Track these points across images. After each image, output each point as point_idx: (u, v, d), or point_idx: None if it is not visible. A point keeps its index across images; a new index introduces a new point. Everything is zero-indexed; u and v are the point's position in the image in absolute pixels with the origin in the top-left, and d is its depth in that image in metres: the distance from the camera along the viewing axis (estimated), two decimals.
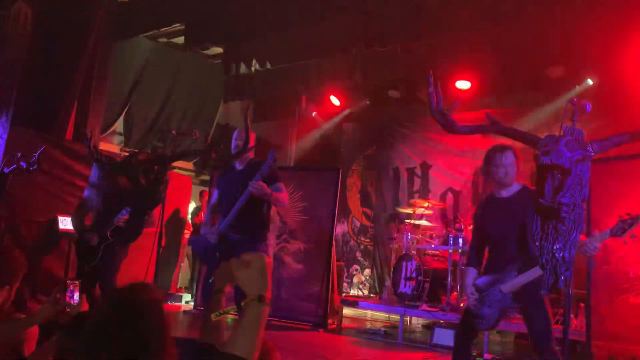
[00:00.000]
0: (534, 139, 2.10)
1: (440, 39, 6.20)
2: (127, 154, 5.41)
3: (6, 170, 5.18)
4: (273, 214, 6.94)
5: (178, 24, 7.32)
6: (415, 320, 6.98)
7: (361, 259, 9.00)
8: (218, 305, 1.81)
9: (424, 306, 6.17)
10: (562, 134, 2.04)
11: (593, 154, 2.02)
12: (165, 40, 7.92)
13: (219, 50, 7.82)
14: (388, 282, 7.22)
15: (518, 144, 3.11)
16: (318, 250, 6.52)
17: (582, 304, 5.18)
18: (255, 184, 3.79)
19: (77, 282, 2.32)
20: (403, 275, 6.62)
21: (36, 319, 2.34)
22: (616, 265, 4.78)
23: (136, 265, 4.73)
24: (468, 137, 7.40)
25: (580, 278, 5.12)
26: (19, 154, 5.24)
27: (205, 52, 8.07)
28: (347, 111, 8.79)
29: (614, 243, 4.51)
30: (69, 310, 2.26)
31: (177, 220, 7.85)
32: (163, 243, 5.13)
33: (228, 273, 1.80)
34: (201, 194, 8.45)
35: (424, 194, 8.19)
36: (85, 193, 4.83)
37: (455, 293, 6.13)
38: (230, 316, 1.73)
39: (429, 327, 6.22)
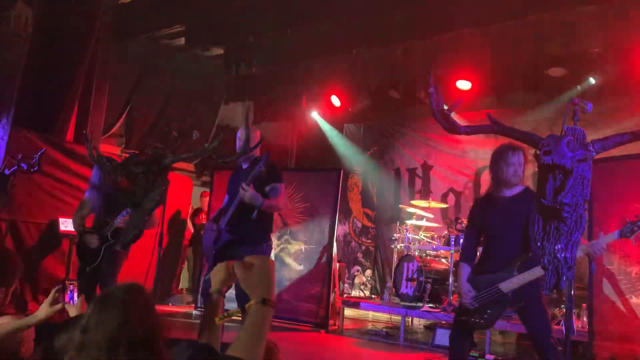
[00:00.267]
0: (535, 139, 2.09)
1: (440, 39, 6.19)
2: (127, 155, 5.41)
3: (7, 171, 5.18)
4: (275, 214, 6.94)
5: (178, 25, 7.32)
6: (416, 321, 6.97)
7: (362, 260, 8.99)
8: (216, 307, 1.80)
9: (426, 307, 6.16)
10: (563, 133, 2.03)
11: (595, 153, 2.01)
12: (165, 41, 7.92)
13: (219, 51, 7.82)
14: (389, 283, 7.21)
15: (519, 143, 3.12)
16: (319, 251, 6.51)
17: (584, 305, 5.17)
18: (246, 192, 3.71)
19: (75, 282, 2.32)
20: (404, 276, 6.61)
21: (35, 320, 2.34)
22: (618, 266, 4.77)
23: (137, 267, 4.74)
24: (469, 138, 7.39)
25: (582, 278, 5.12)
26: (20, 156, 5.24)
27: (206, 53, 8.07)
28: (351, 109, 8.76)
29: (616, 243, 4.51)
30: (67, 310, 2.26)
31: (177, 221, 7.85)
32: (164, 244, 5.13)
33: (224, 274, 1.79)
34: (202, 195, 8.45)
35: (425, 194, 8.18)
36: (86, 194, 4.83)
37: (456, 294, 6.12)
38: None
39: (430, 328, 6.21)
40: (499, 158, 3.29)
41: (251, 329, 1.43)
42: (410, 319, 6.78)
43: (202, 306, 3.91)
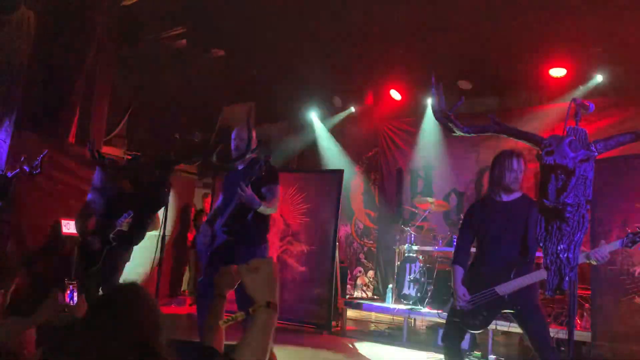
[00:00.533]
0: (537, 139, 2.09)
1: (442, 38, 6.19)
2: (130, 157, 5.42)
3: (10, 174, 5.19)
4: (276, 216, 6.95)
5: (180, 28, 7.33)
6: (419, 321, 6.97)
7: (365, 261, 8.98)
8: (219, 309, 1.81)
9: (428, 308, 6.15)
10: (565, 134, 2.02)
11: (597, 153, 2.01)
12: (167, 43, 7.93)
13: (220, 53, 7.83)
14: (392, 284, 7.21)
15: (521, 145, 3.12)
16: (321, 253, 6.51)
17: (587, 305, 5.16)
18: (244, 193, 3.69)
19: (75, 282, 2.32)
20: (407, 277, 6.60)
21: (34, 320, 2.34)
22: (621, 266, 4.76)
23: (139, 268, 4.74)
24: (471, 138, 7.39)
25: (585, 279, 5.11)
26: (23, 158, 5.25)
27: (208, 55, 8.08)
28: (353, 110, 8.75)
29: None
30: (67, 311, 2.26)
31: (180, 223, 7.86)
32: (166, 246, 5.14)
33: (228, 277, 1.80)
34: (204, 196, 8.46)
35: (428, 195, 8.17)
36: (89, 197, 4.84)
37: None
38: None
39: (433, 329, 6.20)
40: (501, 164, 3.31)
41: (257, 332, 1.43)
42: (413, 320, 6.78)
43: (198, 308, 3.86)
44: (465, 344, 5.13)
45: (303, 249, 6.66)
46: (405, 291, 6.56)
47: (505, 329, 5.13)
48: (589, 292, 5.05)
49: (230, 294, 1.87)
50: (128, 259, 4.62)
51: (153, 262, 4.49)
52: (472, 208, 3.55)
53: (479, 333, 4.66)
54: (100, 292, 4.46)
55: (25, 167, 5.14)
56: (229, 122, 8.62)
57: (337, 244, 6.70)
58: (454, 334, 3.36)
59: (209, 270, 3.89)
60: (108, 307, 1.47)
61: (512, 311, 3.21)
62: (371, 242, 9.00)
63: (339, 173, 6.86)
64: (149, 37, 7.58)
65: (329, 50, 6.84)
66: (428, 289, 6.32)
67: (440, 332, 5.50)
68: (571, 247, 1.92)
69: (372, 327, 6.83)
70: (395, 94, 7.63)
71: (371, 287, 8.58)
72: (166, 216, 4.17)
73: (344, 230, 8.99)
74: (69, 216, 5.85)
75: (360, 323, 7.13)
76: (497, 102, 7.30)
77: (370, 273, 8.76)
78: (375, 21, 6.25)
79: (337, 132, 9.15)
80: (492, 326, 3.86)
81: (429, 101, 7.72)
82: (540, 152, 2.02)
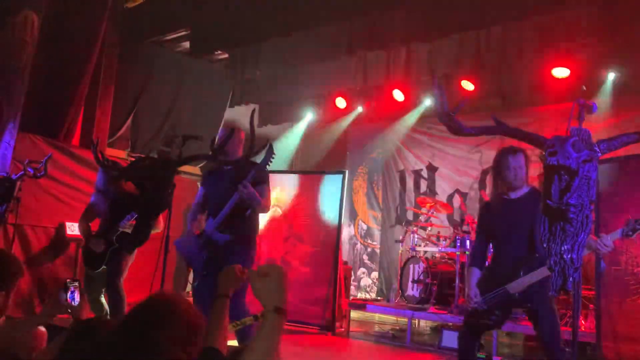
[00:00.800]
0: (540, 140, 2.09)
1: (444, 39, 6.19)
2: (133, 159, 5.43)
3: (14, 176, 5.21)
4: (280, 217, 6.96)
5: (184, 30, 7.35)
6: (423, 322, 6.96)
7: (368, 262, 8.98)
8: (223, 310, 1.81)
9: (432, 309, 6.14)
10: (568, 134, 2.02)
11: (600, 154, 2.00)
12: (171, 45, 7.95)
13: (224, 55, 7.85)
14: (395, 285, 7.20)
15: (524, 145, 3.12)
16: (325, 254, 6.51)
17: (591, 305, 5.15)
18: (245, 190, 3.70)
19: (77, 283, 2.33)
20: (410, 278, 6.60)
21: (37, 321, 2.35)
22: (625, 266, 4.74)
23: (143, 270, 4.74)
24: (474, 139, 7.39)
25: (589, 279, 5.10)
26: (27, 161, 5.28)
27: (211, 56, 8.10)
28: (356, 112, 8.74)
29: (623, 244, 4.49)
30: (69, 311, 2.26)
31: (184, 223, 7.86)
32: (170, 247, 5.14)
33: (231, 276, 1.80)
34: None
35: (431, 196, 8.17)
36: (92, 199, 4.85)
37: (462, 297, 6.11)
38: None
39: (437, 330, 6.19)
40: (499, 162, 3.33)
41: (265, 337, 1.44)
42: (416, 321, 6.77)
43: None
44: None
45: (306, 250, 6.66)
46: (409, 292, 6.55)
47: (510, 329, 5.12)
48: (593, 293, 5.04)
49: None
50: (131, 261, 4.62)
51: (157, 263, 4.49)
52: (483, 209, 3.57)
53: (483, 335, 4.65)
54: (105, 294, 4.47)
55: (29, 170, 5.17)
56: (232, 124, 8.63)
57: (341, 245, 6.69)
58: (469, 335, 3.36)
59: (207, 271, 3.88)
60: (144, 323, 1.45)
61: (524, 309, 3.20)
62: (375, 243, 8.99)
63: (342, 174, 6.86)
64: (152, 40, 7.60)
65: (332, 52, 6.83)
66: (432, 289, 6.31)
67: (445, 333, 5.50)
68: (575, 248, 1.92)
69: (376, 328, 6.83)
70: (398, 95, 7.62)
71: (375, 288, 8.58)
72: (170, 217, 4.17)
73: (347, 231, 8.99)
74: (73, 218, 5.87)
75: (364, 324, 7.12)
76: (500, 102, 7.28)
77: (374, 274, 8.76)
78: (378, 22, 6.25)
79: (340, 133, 9.16)
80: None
81: (427, 102, 7.72)
82: (544, 153, 2.01)
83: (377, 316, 7.34)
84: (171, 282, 7.49)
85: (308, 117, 8.86)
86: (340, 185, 6.65)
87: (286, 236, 6.82)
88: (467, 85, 6.74)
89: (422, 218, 7.37)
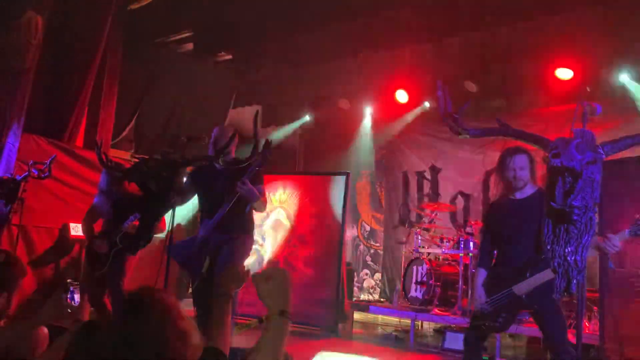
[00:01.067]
0: (544, 142, 2.08)
1: (448, 41, 6.18)
2: (137, 160, 5.44)
3: (18, 177, 5.23)
4: (283, 218, 6.97)
5: (187, 31, 7.36)
6: (426, 324, 6.95)
7: (371, 263, 8.97)
8: (226, 309, 1.81)
9: (435, 310, 6.13)
10: (572, 136, 2.02)
11: (604, 156, 2.00)
12: (174, 46, 7.96)
13: (227, 56, 7.86)
14: (399, 287, 7.19)
15: (529, 147, 3.11)
16: (328, 255, 6.50)
17: (595, 308, 5.13)
18: (244, 186, 3.74)
19: (77, 284, 2.34)
20: (414, 280, 6.59)
21: (38, 321, 2.35)
22: (630, 268, 4.73)
23: (146, 271, 4.75)
24: (478, 140, 7.37)
25: (592, 281, 5.08)
26: (31, 162, 5.29)
27: (214, 58, 8.11)
28: (359, 112, 8.73)
29: (627, 245, 4.47)
30: (70, 311, 2.27)
31: (188, 225, 7.86)
32: None
33: (233, 277, 1.81)
34: None
35: (434, 197, 8.15)
36: (95, 200, 4.86)
37: (466, 298, 6.10)
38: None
39: (440, 332, 6.18)
40: (500, 164, 3.36)
41: (270, 340, 1.45)
42: (420, 323, 6.76)
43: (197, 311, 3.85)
44: None
45: (310, 251, 6.65)
46: (412, 294, 6.54)
47: (513, 331, 5.10)
48: (597, 295, 5.02)
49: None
50: (135, 262, 4.63)
51: (160, 264, 4.50)
52: (489, 210, 3.57)
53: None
54: (107, 296, 4.47)
55: (33, 171, 5.18)
56: (236, 125, 8.64)
57: (344, 246, 6.69)
58: (475, 337, 3.35)
59: (206, 272, 3.89)
60: (134, 316, 1.45)
61: (530, 311, 3.19)
62: (378, 244, 8.98)
63: (345, 175, 6.86)
64: (156, 41, 7.62)
65: (335, 52, 6.83)
66: (435, 291, 6.30)
67: (448, 335, 5.49)
68: (579, 250, 1.91)
69: (379, 330, 6.82)
70: (401, 96, 7.62)
71: (378, 289, 8.56)
72: (174, 218, 4.18)
73: (350, 232, 8.98)
74: (76, 219, 5.88)
75: (367, 326, 7.12)
76: (503, 104, 7.27)
77: (377, 275, 8.74)
78: (382, 24, 6.25)
79: (343, 135, 9.15)
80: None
81: (431, 103, 7.71)
82: (547, 155, 2.01)
83: (380, 318, 7.33)
84: (175, 282, 7.49)
85: (311, 118, 8.86)
86: (344, 187, 6.65)
87: (289, 237, 6.82)
88: (471, 87, 6.73)
89: (425, 219, 7.35)
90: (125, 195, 4.60)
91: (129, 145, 8.04)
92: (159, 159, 3.89)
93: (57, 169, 5.84)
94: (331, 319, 6.25)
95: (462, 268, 6.17)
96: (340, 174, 7.06)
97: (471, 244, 6.16)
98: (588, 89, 6.48)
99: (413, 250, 6.93)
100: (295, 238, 6.80)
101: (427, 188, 8.44)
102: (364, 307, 6.87)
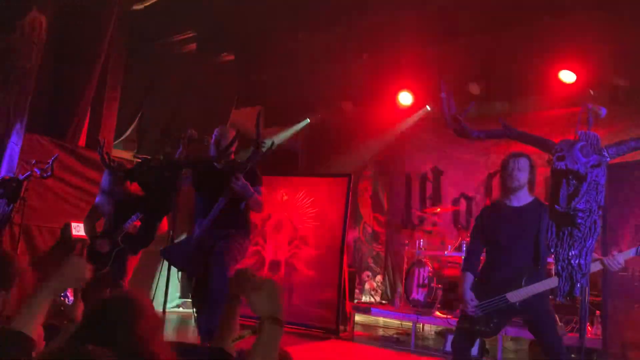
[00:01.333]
0: (549, 144, 2.07)
1: (452, 43, 6.17)
2: (139, 160, 5.44)
3: (21, 177, 5.23)
4: (285, 220, 6.96)
5: (190, 32, 7.36)
6: (428, 327, 6.93)
7: (373, 265, 8.95)
8: (234, 312, 1.82)
9: (437, 313, 6.11)
10: (576, 138, 2.00)
11: (609, 159, 1.98)
12: (177, 47, 7.97)
13: (230, 57, 7.85)
14: (400, 289, 7.18)
15: (531, 149, 3.10)
16: (329, 257, 6.49)
17: (597, 312, 5.11)
18: (239, 182, 3.74)
19: None
20: (415, 282, 6.57)
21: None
22: (633, 272, 4.70)
23: (148, 271, 4.75)
24: (481, 143, 7.35)
25: (596, 285, 5.06)
26: (34, 161, 5.30)
27: (217, 59, 8.11)
28: (362, 114, 8.73)
29: None
30: (63, 309, 2.26)
31: (189, 225, 7.86)
32: None
33: (242, 280, 1.81)
34: None
35: (436, 199, 8.13)
36: (97, 199, 4.86)
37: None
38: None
39: (442, 334, 6.17)
40: (501, 168, 3.37)
41: (262, 347, 1.47)
42: (421, 325, 6.74)
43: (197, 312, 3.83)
44: (474, 350, 5.09)
45: (311, 253, 6.65)
46: (414, 296, 6.53)
47: (515, 335, 5.08)
48: (600, 299, 5.00)
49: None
50: (136, 262, 4.63)
51: (161, 265, 4.50)
52: (483, 213, 3.54)
53: (488, 339, 4.63)
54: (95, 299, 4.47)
55: (36, 170, 5.19)
56: (238, 126, 8.63)
57: (345, 248, 6.68)
58: (464, 340, 3.34)
59: (203, 273, 3.89)
60: (101, 317, 1.47)
61: (523, 319, 3.18)
62: (380, 246, 8.97)
63: (347, 177, 6.85)
64: (159, 41, 7.62)
65: (338, 53, 6.83)
66: (437, 294, 6.28)
67: (450, 337, 5.46)
68: (583, 254, 1.89)
69: (381, 332, 6.80)
70: (405, 97, 7.61)
71: (379, 291, 8.55)
72: (175, 219, 4.17)
73: (352, 234, 8.96)
74: (78, 218, 5.88)
75: (369, 328, 7.10)
76: (507, 106, 7.25)
77: (379, 277, 8.72)
78: (385, 26, 6.24)
79: (346, 136, 9.14)
80: (501, 332, 3.83)
81: (434, 105, 7.70)
82: (551, 157, 2.00)
83: (382, 320, 7.31)
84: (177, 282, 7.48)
85: (313, 119, 8.85)
86: (346, 189, 6.64)
87: (291, 239, 6.81)
88: (474, 89, 6.72)
89: (427, 222, 7.34)
90: (127, 195, 4.60)
91: (131, 145, 8.05)
92: (161, 159, 3.90)
93: (60, 168, 5.85)
94: (332, 320, 6.24)
95: None
96: (342, 175, 7.06)
97: (464, 248, 6.14)
98: (591, 92, 6.46)
99: (415, 252, 6.92)
100: (297, 239, 6.79)
101: (429, 190, 8.43)
102: (366, 309, 6.85)
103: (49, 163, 5.26)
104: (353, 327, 6.49)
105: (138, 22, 7.17)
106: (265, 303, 1.53)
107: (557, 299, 2.03)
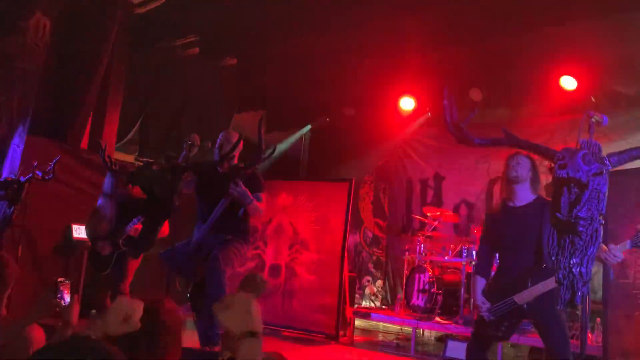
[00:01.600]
0: (550, 152, 2.07)
1: (454, 50, 6.19)
2: (141, 163, 5.44)
3: (22, 178, 5.23)
4: (286, 224, 6.96)
5: (192, 36, 7.39)
6: (428, 332, 6.92)
7: (373, 270, 8.95)
8: None
9: (437, 319, 6.11)
10: (578, 146, 2.01)
11: (610, 167, 1.99)
12: (180, 51, 7.99)
13: (232, 61, 7.88)
14: (401, 294, 7.17)
15: (533, 156, 3.11)
16: (330, 261, 6.49)
17: (598, 319, 5.10)
18: (237, 188, 3.76)
19: (67, 283, 2.31)
20: (416, 287, 6.57)
21: (27, 321, 2.33)
22: (634, 280, 4.70)
23: (150, 274, 4.75)
24: (482, 149, 7.35)
25: (597, 293, 5.05)
26: (35, 163, 5.30)
27: (219, 63, 8.13)
28: (363, 119, 8.74)
29: (631, 257, 4.45)
30: (59, 310, 2.25)
31: (190, 228, 7.86)
32: None
33: (250, 285, 1.82)
34: None
35: (437, 205, 8.14)
36: (99, 202, 4.86)
37: (467, 308, 6.07)
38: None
39: (442, 340, 6.16)
40: (504, 166, 3.37)
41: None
42: (421, 331, 6.73)
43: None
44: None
45: (312, 257, 6.65)
46: (414, 301, 6.52)
47: (515, 341, 5.08)
48: (601, 307, 4.99)
49: None
50: (137, 264, 4.63)
51: (163, 268, 4.49)
52: (488, 218, 3.56)
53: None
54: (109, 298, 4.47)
55: (37, 172, 5.19)
56: (240, 130, 8.64)
57: (346, 252, 6.68)
58: (480, 346, 3.33)
59: (201, 277, 3.89)
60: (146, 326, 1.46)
61: (533, 320, 3.18)
62: (380, 251, 8.96)
63: (348, 182, 6.85)
64: (162, 45, 7.65)
65: (340, 58, 6.85)
66: (437, 299, 6.27)
67: (450, 343, 5.46)
68: (584, 262, 1.90)
69: (381, 337, 6.79)
70: (406, 103, 7.63)
71: (380, 296, 8.54)
72: (177, 222, 4.18)
73: (352, 239, 8.96)
74: (80, 221, 5.88)
75: (369, 333, 7.09)
76: (508, 113, 7.27)
77: (379, 282, 8.72)
78: (387, 32, 6.26)
79: (347, 141, 9.15)
80: None
81: (435, 111, 7.71)
82: (553, 165, 2.00)
83: (382, 325, 7.30)
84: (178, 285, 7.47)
85: (315, 123, 8.86)
86: (347, 193, 6.64)
87: (292, 243, 6.81)
88: (476, 96, 6.73)
89: (428, 227, 7.33)
90: (129, 198, 4.60)
91: (133, 148, 8.07)
92: (162, 162, 3.90)
93: (61, 170, 5.85)
94: (332, 325, 6.23)
95: (465, 276, 6.14)
96: (343, 180, 7.06)
97: (474, 252, 6.14)
98: (593, 99, 6.47)
99: (415, 257, 6.91)
100: (297, 244, 6.79)
101: (430, 196, 8.43)
102: (366, 314, 6.84)
103: (50, 165, 5.26)
104: (353, 332, 6.48)
105: (141, 26, 7.19)
106: (238, 320, 1.50)
107: (558, 307, 2.04)
